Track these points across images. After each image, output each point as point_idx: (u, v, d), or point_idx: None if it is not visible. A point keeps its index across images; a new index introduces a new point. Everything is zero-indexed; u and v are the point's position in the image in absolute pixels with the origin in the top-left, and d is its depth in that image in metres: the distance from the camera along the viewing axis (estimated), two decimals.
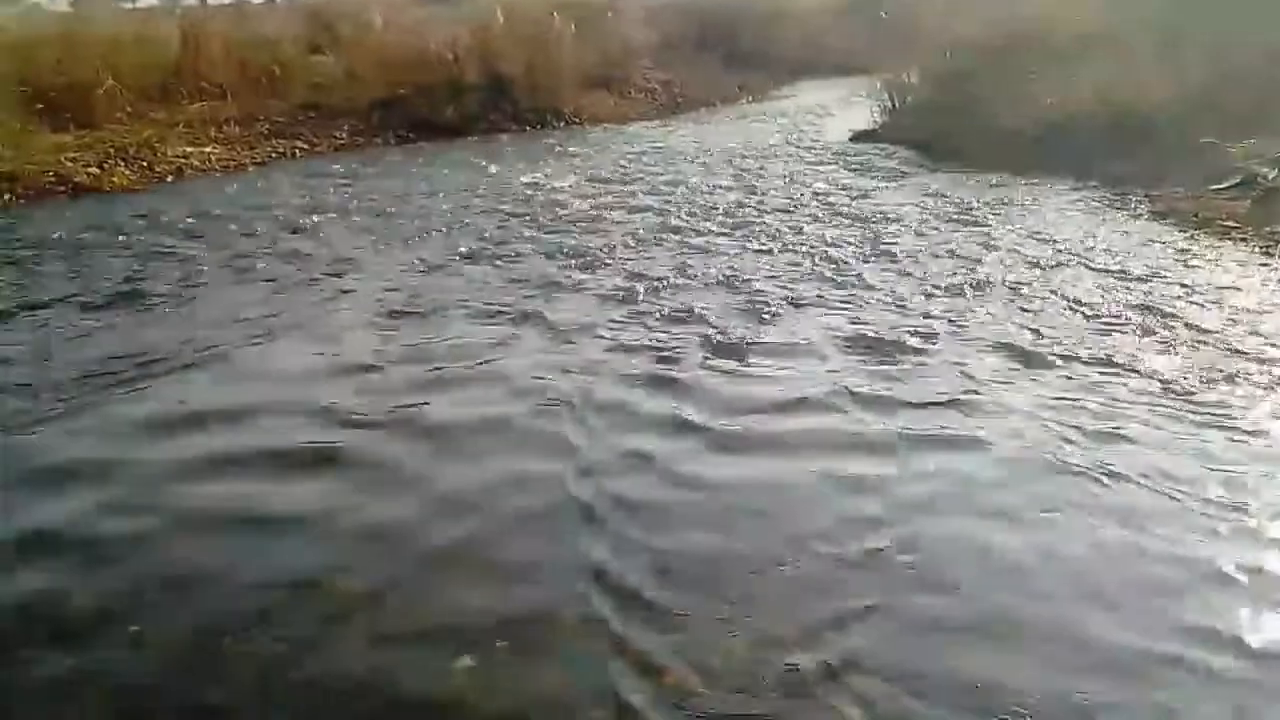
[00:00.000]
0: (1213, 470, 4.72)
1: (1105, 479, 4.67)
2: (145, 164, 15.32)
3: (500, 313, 7.66)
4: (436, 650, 3.51)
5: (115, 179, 14.58)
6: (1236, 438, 5.06)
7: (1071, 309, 7.33)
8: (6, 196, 13.43)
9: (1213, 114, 12.08)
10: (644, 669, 3.37)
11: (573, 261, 9.13)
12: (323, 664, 3.47)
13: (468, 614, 3.73)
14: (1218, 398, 5.59)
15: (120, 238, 10.60)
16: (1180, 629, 3.58)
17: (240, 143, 17.05)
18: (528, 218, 11.30)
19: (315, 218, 11.53)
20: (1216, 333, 6.66)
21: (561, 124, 20.25)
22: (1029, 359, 6.35)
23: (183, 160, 15.89)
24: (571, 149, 16.91)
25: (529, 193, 12.88)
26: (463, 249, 9.84)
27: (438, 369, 6.41)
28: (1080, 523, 4.33)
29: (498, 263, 9.32)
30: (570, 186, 13.28)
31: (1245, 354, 6.23)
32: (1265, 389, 5.68)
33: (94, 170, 14.58)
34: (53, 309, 8.01)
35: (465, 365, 6.45)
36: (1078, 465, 4.82)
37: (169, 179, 15.08)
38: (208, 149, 16.50)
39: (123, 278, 8.89)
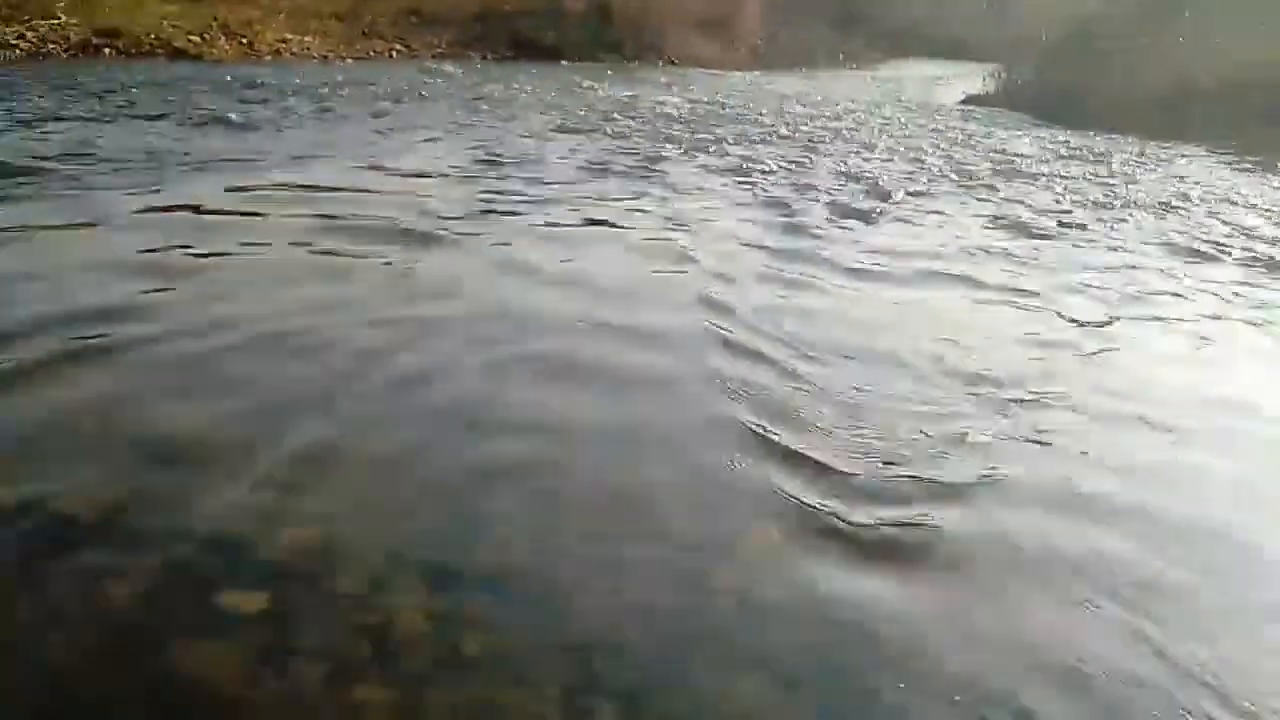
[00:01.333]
0: None
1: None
2: (245, 40, 15.20)
3: (604, 169, 7.21)
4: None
5: (214, 50, 14.48)
6: None
7: (1229, 227, 6.65)
8: (108, 51, 13.36)
9: None
10: (783, 453, 2.84)
11: (678, 147, 8.63)
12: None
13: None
14: None
15: (213, 91, 10.36)
16: None
17: (340, 37, 16.85)
18: (631, 115, 10.84)
19: (410, 99, 11.19)
20: None
21: (661, 62, 19.76)
22: (1186, 253, 5.73)
23: (281, 44, 15.75)
24: (671, 81, 16.41)
25: (629, 101, 12.43)
26: (561, 123, 9.42)
27: (532, 202, 5.96)
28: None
29: (599, 136, 8.87)
30: (674, 102, 12.79)
31: None
32: None
33: (195, 39, 14.47)
34: (157, 122, 7.82)
35: (569, 208, 5.96)
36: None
37: (266, 58, 14.93)
38: (307, 38, 16.32)
39: (218, 113, 8.61)
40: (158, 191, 5.31)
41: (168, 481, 2.37)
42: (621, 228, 5.46)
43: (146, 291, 3.66)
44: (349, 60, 15.81)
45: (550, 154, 7.77)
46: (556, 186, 6.45)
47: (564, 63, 17.98)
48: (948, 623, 2.10)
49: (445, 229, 4.97)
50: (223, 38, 14.92)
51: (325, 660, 1.84)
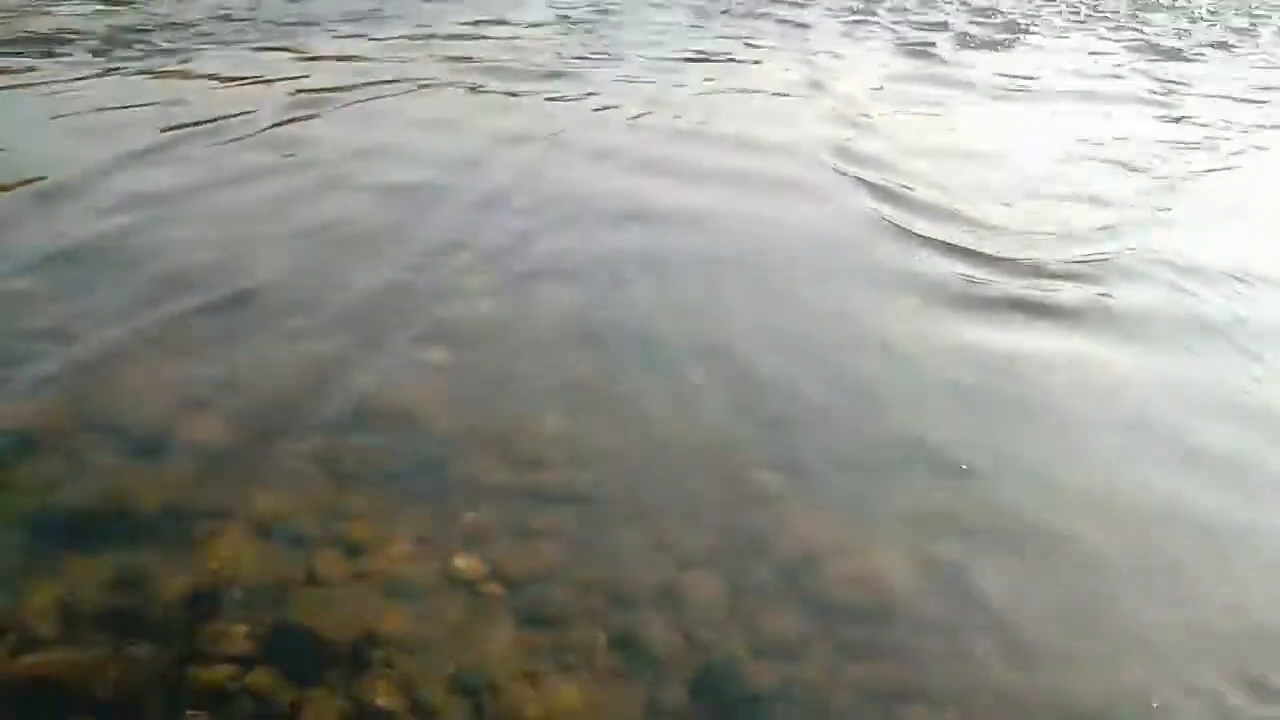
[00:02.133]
0: None
1: None
2: None
3: (721, 9, 7.16)
4: None
5: None
6: None
7: None
8: None
9: None
10: (919, 239, 2.95)
11: None
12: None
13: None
14: None
15: None
16: None
17: None
18: None
19: None
20: None
21: None
22: None
23: None
24: None
25: None
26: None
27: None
28: None
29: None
30: None
31: None
32: None
33: None
34: None
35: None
36: None
37: None
38: None
39: None
40: (306, 44, 5.55)
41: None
42: (745, 61, 5.50)
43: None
44: None
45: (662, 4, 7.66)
46: (679, 33, 6.45)
47: None
48: (1083, 369, 2.24)
49: (576, 69, 5.10)
50: None
51: None
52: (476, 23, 6.47)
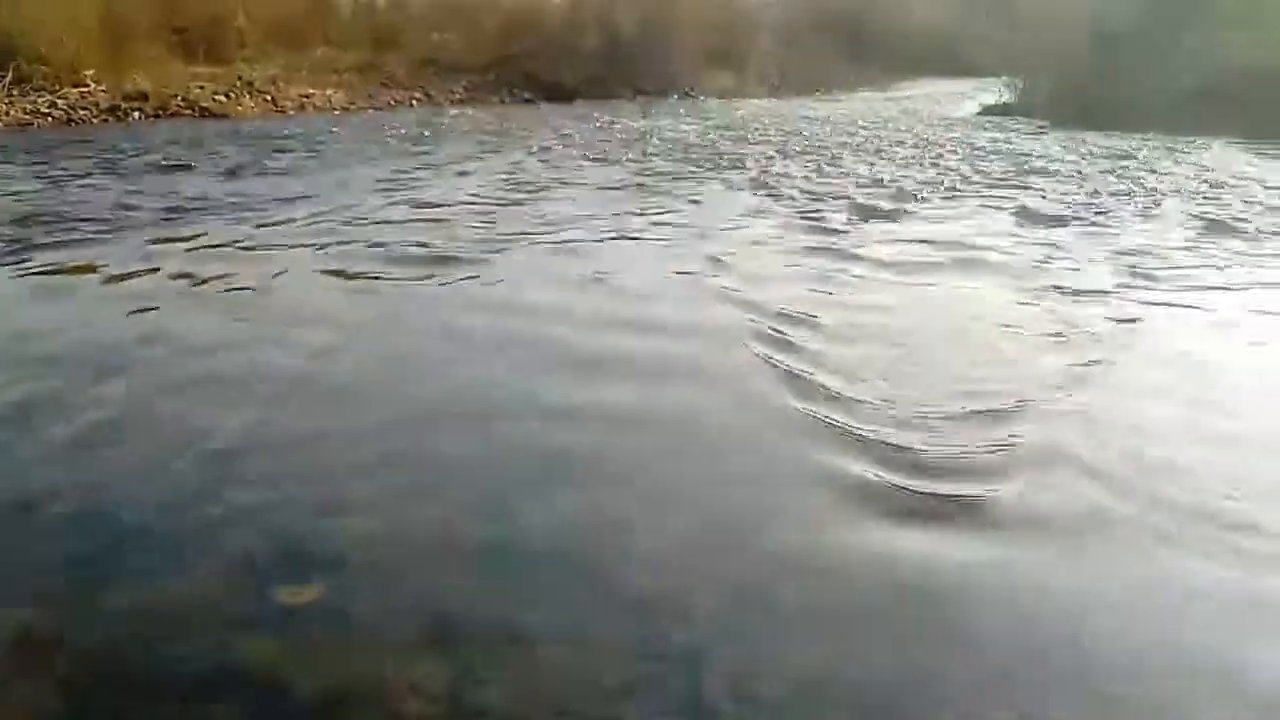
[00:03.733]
0: None
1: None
2: (269, 98, 15.55)
3: (623, 189, 7.28)
4: None
5: (240, 107, 14.83)
6: None
7: (1261, 206, 6.56)
8: (137, 114, 13.72)
9: None
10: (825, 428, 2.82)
11: (698, 167, 8.71)
12: None
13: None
14: None
15: (241, 143, 10.61)
16: None
17: (361, 89, 17.18)
18: (649, 141, 10.95)
19: (432, 140, 11.40)
20: None
21: (677, 95, 19.95)
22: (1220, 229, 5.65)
23: (305, 98, 16.09)
24: (689, 111, 16.56)
25: (646, 129, 12.56)
26: (580, 152, 9.52)
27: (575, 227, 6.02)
28: None
29: (618, 162, 8.96)
30: (693, 129, 12.90)
31: None
32: None
33: (221, 98, 14.82)
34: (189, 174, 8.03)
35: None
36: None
37: (290, 113, 15.26)
38: (329, 91, 16.66)
39: (244, 162, 8.81)
40: (201, 234, 5.44)
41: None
42: (648, 239, 5.50)
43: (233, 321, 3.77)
44: (370, 110, 16.12)
45: (569, 179, 7.86)
46: (578, 206, 6.53)
47: (580, 101, 18.21)
48: (989, 579, 2.06)
49: (473, 252, 5.05)
50: (247, 95, 15.27)
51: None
52: (387, 204, 6.45)
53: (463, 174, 8.23)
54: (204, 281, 4.36)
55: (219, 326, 3.71)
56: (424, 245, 5.17)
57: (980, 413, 2.85)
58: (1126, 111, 13.28)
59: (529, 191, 7.16)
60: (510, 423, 2.82)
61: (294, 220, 5.86)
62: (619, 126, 13.37)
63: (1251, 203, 6.74)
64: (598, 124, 13.67)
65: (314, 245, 5.16)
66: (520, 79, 18.89)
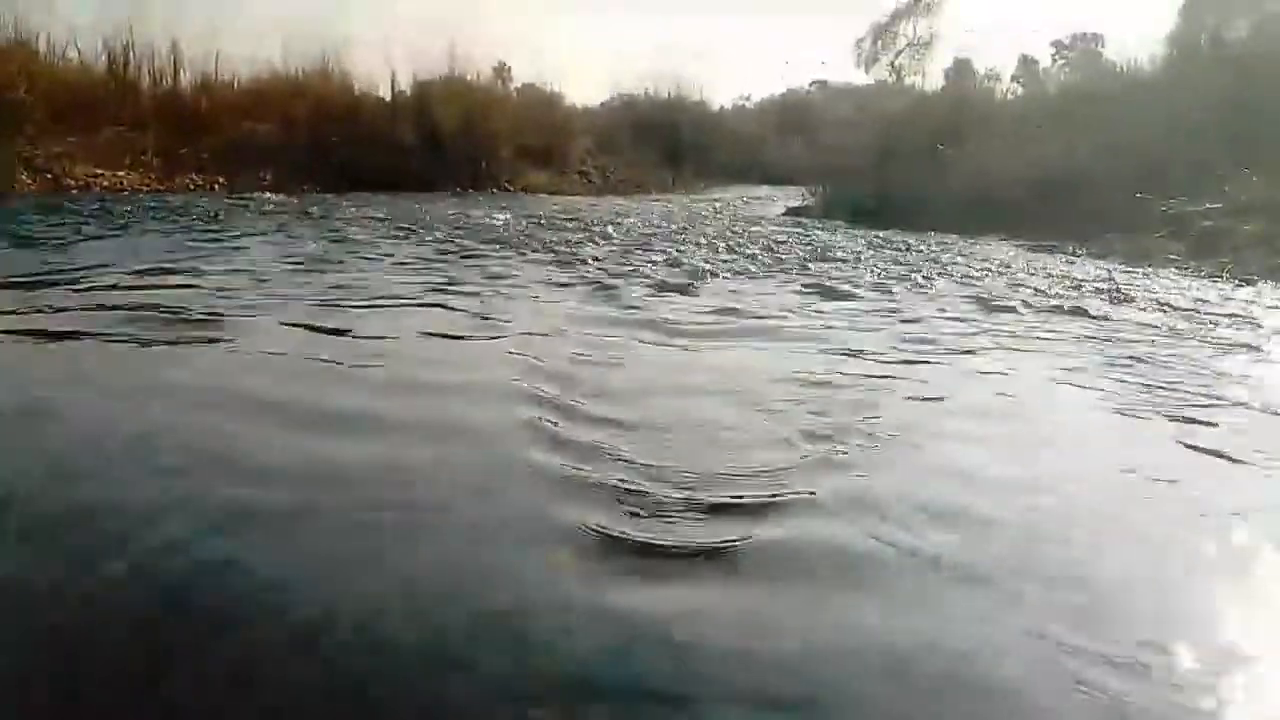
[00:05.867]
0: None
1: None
2: (51, 175, 14.52)
3: (426, 266, 7.08)
4: None
5: (16, 185, 13.76)
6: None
7: (1020, 286, 7.06)
8: None
9: (1142, 174, 12.45)
10: (589, 486, 2.67)
11: (503, 248, 8.63)
12: None
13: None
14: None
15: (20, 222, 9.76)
16: None
17: (158, 171, 16.33)
18: (459, 227, 10.82)
19: (226, 221, 10.86)
20: (1180, 306, 6.45)
21: (495, 190, 20.06)
22: (985, 304, 6.00)
23: (92, 178, 15.12)
24: (506, 205, 16.61)
25: (455, 217, 12.44)
26: (384, 232, 9.28)
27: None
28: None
29: (424, 242, 8.76)
30: (504, 219, 12.88)
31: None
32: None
33: None
34: None
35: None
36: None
37: (74, 191, 14.27)
38: (121, 172, 15.74)
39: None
40: None
41: None
42: (436, 307, 5.30)
43: None
44: (165, 194, 15.29)
45: (368, 255, 7.60)
46: (371, 279, 6.27)
47: (396, 193, 17.95)
48: (739, 631, 1.93)
49: (235, 316, 4.70)
50: (25, 172, 14.20)
51: None
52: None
53: (244, 250, 7.80)
54: None
55: None
56: (184, 309, 4.77)
57: (744, 465, 2.77)
58: (912, 213, 14.33)
59: (315, 261, 6.84)
60: (211, 477, 2.53)
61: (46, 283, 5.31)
62: (427, 210, 13.20)
63: (1011, 284, 7.25)
64: (406, 210, 13.44)
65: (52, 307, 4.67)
66: (333, 170, 18.47)
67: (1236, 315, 6.01)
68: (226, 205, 13.02)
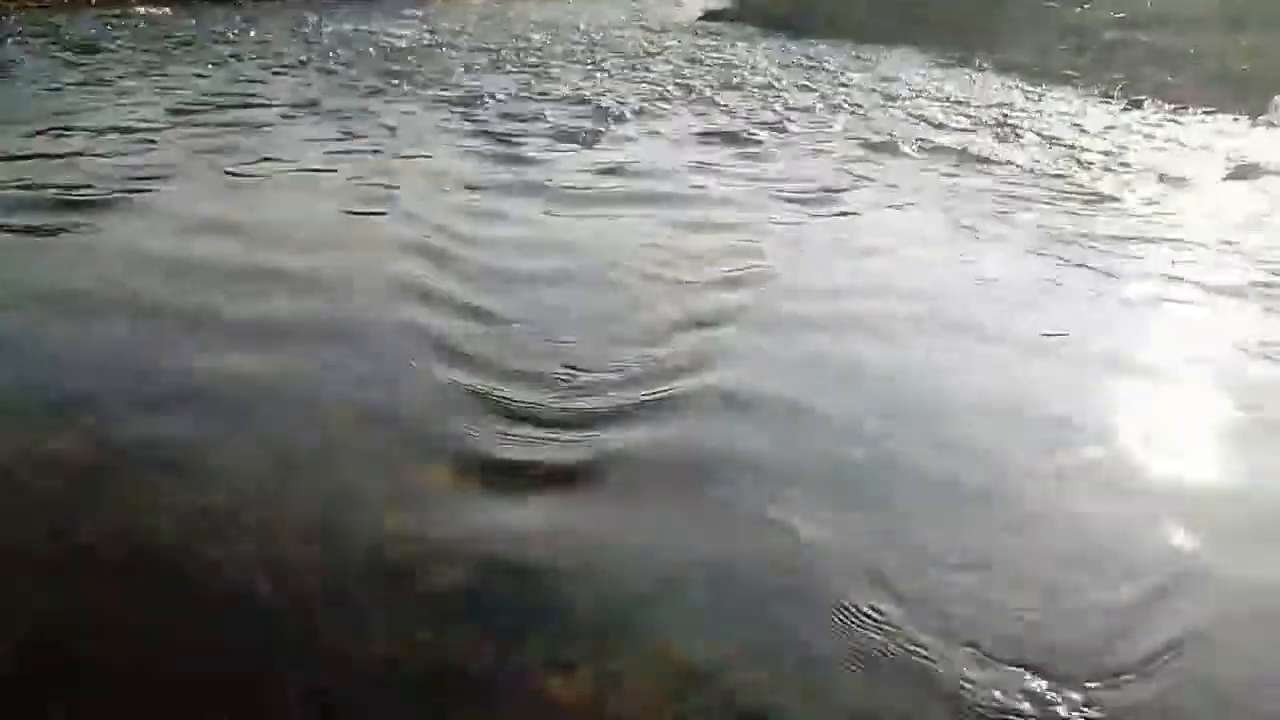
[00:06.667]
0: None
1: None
2: None
3: (315, 110, 6.88)
4: None
5: None
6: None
7: (922, 123, 7.18)
8: None
9: None
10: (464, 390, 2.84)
11: (401, 82, 8.35)
12: None
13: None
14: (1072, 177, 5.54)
15: None
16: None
17: None
18: (355, 49, 10.32)
19: (104, 49, 10.17)
20: (1063, 139, 6.66)
21: None
22: (885, 150, 6.15)
23: None
24: (414, 9, 15.73)
25: (354, 35, 11.83)
26: (275, 64, 8.86)
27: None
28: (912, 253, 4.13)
29: (316, 74, 8.42)
30: (406, 35, 12.28)
31: (1094, 150, 6.24)
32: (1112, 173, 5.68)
33: None
34: None
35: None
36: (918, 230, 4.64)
37: None
38: None
39: None
40: None
41: None
42: (325, 171, 5.24)
43: None
44: (35, 8, 14.10)
45: (257, 98, 7.32)
46: (260, 132, 6.11)
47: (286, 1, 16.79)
48: (601, 545, 2.16)
49: (125, 192, 4.62)
50: None
51: None
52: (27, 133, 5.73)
53: (124, 93, 7.43)
54: None
55: None
56: (69, 186, 4.66)
57: (614, 362, 2.96)
58: (830, 21, 14.03)
59: (195, 111, 6.60)
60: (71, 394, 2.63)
61: None
62: (327, 24, 12.50)
63: (910, 117, 7.36)
64: (301, 23, 12.71)
65: None
66: None
67: (1109, 153, 6.26)
68: (99, 25, 12.12)
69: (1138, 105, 8.27)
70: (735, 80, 9.14)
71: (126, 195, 4.59)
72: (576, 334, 3.17)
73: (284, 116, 6.68)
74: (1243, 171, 5.67)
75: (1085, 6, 11.77)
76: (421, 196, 4.74)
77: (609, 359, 2.98)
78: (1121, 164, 5.94)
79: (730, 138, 6.36)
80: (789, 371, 3.01)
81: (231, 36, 11.38)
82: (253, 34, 11.72)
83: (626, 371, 2.91)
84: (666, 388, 2.81)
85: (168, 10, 14.40)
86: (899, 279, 3.88)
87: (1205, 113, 8.01)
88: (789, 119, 7.08)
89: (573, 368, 2.91)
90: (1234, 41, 9.67)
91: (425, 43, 11.25)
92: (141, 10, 14.18)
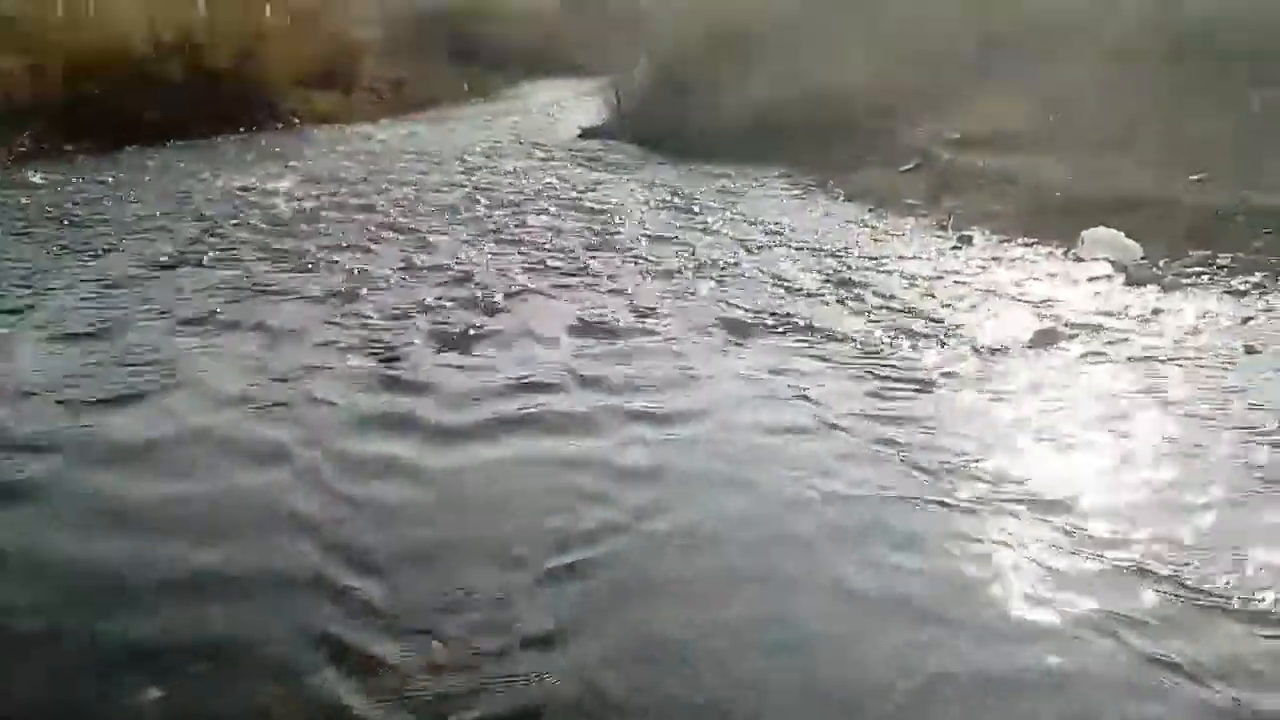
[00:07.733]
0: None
1: (808, 432, 5.10)
2: None
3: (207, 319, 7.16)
4: None
5: None
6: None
7: (776, 285, 7.88)
8: None
9: (901, 98, 13.38)
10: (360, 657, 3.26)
11: (280, 266, 8.66)
12: None
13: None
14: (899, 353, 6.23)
15: None
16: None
17: None
18: (234, 220, 10.61)
19: None
20: (898, 298, 7.43)
21: (280, 125, 19.23)
22: (743, 331, 6.77)
23: None
24: (287, 153, 16.05)
25: (239, 194, 12.12)
26: (162, 257, 9.09)
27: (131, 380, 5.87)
28: (782, 474, 4.69)
29: (193, 266, 8.69)
30: (285, 188, 12.60)
31: (922, 315, 6.99)
32: (937, 343, 6.40)
33: None
34: None
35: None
36: (783, 423, 5.23)
37: None
38: None
39: None
40: None
41: None
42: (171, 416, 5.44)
43: None
44: None
45: (110, 304, 7.48)
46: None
47: (174, 143, 16.90)
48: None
49: None
50: None
51: None
52: None
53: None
54: None
55: None
56: None
57: None
58: (701, 141, 14.81)
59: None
60: None
61: None
62: (205, 189, 12.66)
63: (766, 275, 8.06)
64: (180, 186, 12.85)
65: None
66: (100, 123, 17.13)
67: (935, 319, 7.01)
68: None
69: (968, 241, 9.17)
70: (609, 234, 9.76)
71: None
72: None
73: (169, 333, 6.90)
74: (1043, 337, 6.44)
75: (929, 124, 12.83)
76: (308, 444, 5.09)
77: None
78: (946, 331, 6.68)
79: (597, 329, 6.85)
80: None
81: (91, 202, 11.49)
82: (117, 190, 11.87)
83: None
84: None
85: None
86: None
87: (1025, 244, 8.97)
88: (660, 298, 7.60)
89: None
90: (1051, 162, 10.76)
91: (302, 204, 11.57)
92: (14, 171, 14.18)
